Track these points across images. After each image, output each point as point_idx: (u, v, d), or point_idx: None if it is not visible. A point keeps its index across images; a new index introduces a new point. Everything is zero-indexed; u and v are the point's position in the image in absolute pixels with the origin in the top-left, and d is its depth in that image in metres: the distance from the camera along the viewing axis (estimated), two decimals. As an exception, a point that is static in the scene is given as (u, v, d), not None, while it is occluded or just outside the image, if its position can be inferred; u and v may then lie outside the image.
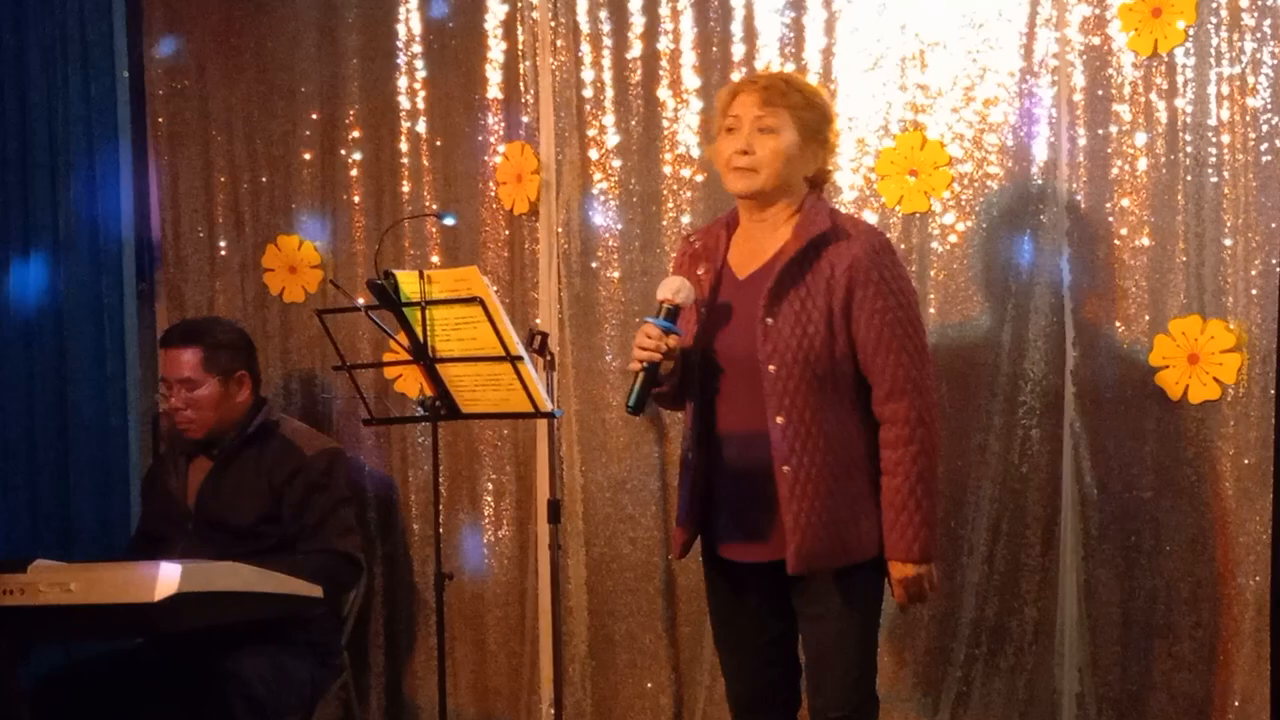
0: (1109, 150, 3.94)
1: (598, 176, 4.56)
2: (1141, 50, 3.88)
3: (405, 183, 4.86)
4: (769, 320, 3.26)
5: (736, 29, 4.35)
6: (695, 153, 4.39)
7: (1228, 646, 3.83)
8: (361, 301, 4.20)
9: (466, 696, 4.80)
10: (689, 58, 4.41)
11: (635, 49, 4.49)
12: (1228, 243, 3.81)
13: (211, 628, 3.75)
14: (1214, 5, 3.80)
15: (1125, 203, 3.93)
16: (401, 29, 4.84)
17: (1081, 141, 3.96)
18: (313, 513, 4.25)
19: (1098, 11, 3.93)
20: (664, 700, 4.50)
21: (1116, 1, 3.90)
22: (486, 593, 4.77)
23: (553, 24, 4.59)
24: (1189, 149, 3.84)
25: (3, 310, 5.01)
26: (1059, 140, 3.99)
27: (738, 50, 4.34)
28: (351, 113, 4.93)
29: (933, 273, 4.12)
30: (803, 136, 3.33)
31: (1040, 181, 4.01)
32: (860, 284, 3.25)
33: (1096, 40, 3.94)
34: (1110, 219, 3.94)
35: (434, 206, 4.80)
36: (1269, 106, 3.76)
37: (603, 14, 4.51)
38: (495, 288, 4.18)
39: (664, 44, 4.45)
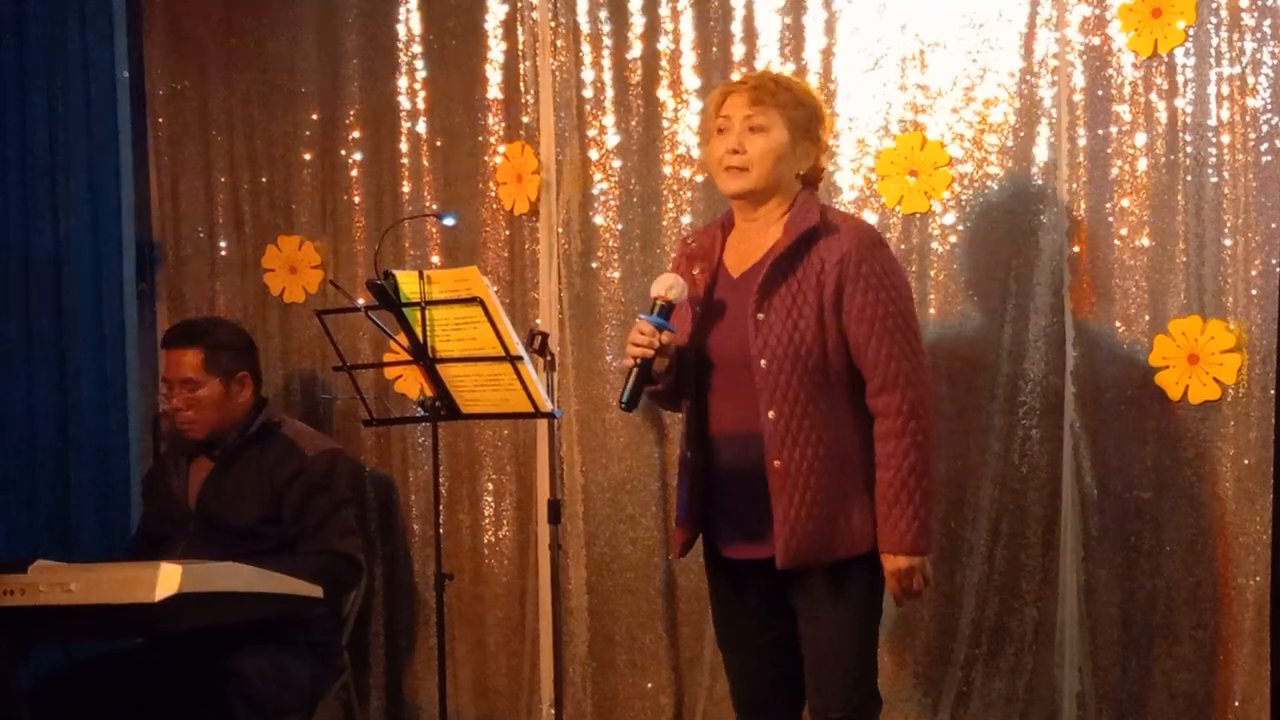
0: (1109, 150, 3.94)
1: (598, 177, 4.56)
2: (1141, 50, 3.88)
3: (405, 183, 4.86)
4: (760, 315, 3.27)
5: (737, 29, 4.35)
6: (695, 153, 4.40)
7: (1228, 647, 3.83)
8: (362, 302, 4.20)
9: (467, 697, 4.80)
10: (689, 58, 4.42)
11: (635, 49, 4.49)
12: (1228, 243, 3.81)
13: (212, 628, 3.75)
14: (1214, 5, 3.80)
15: (1125, 203, 3.93)
16: (401, 29, 4.84)
17: (1081, 142, 3.96)
18: (313, 513, 4.24)
19: (1098, 12, 3.93)
20: (664, 700, 4.50)
21: (1116, 2, 3.90)
22: (487, 593, 4.77)
23: (553, 24, 4.59)
24: (1189, 149, 3.85)
25: (3, 310, 5.01)
26: (1059, 140, 3.99)
27: (738, 51, 4.34)
28: (352, 113, 4.93)
29: (933, 273, 4.12)
30: (793, 135, 3.34)
31: (1040, 182, 4.01)
32: (850, 278, 3.26)
33: (1096, 40, 3.94)
34: (1110, 219, 3.94)
35: (434, 207, 4.81)
36: (1269, 107, 3.76)
37: (603, 14, 4.52)
38: (495, 288, 4.18)
39: (664, 44, 4.45)
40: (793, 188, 3.38)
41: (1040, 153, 4.02)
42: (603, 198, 4.56)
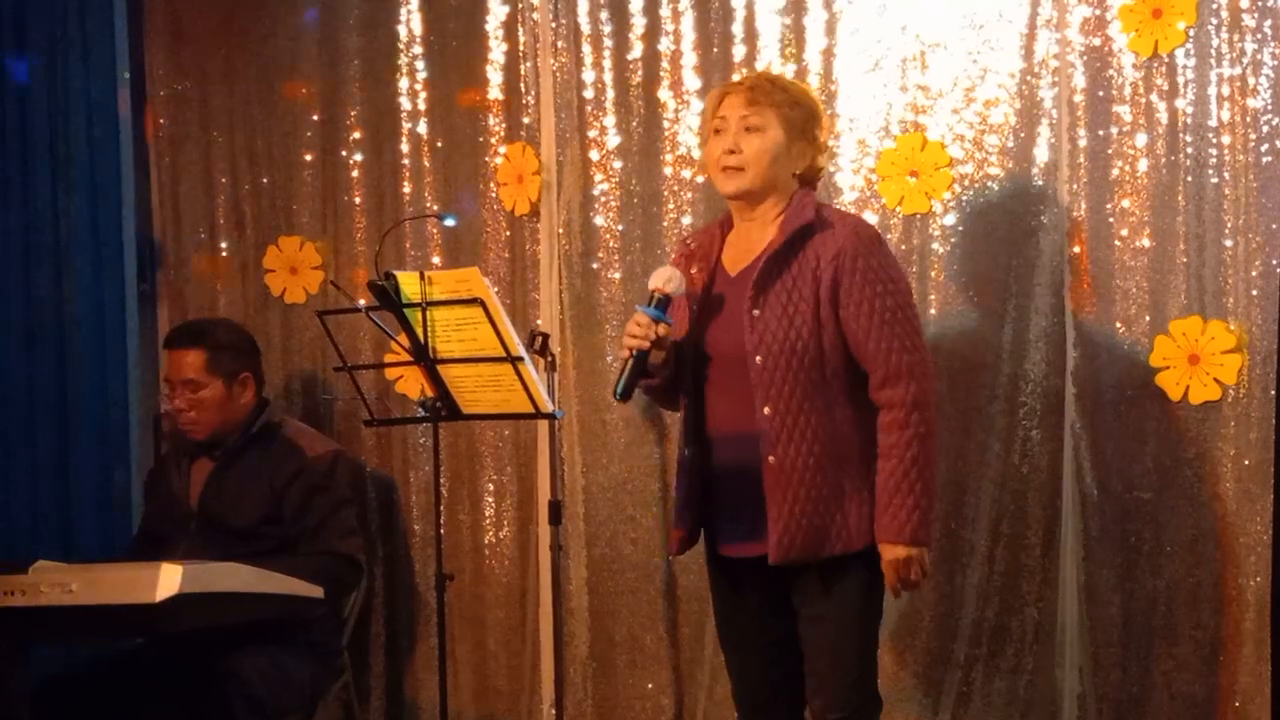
0: (1109, 151, 3.94)
1: (599, 177, 4.56)
2: (1142, 51, 3.88)
3: (406, 184, 4.86)
4: (755, 312, 3.28)
5: (737, 30, 4.35)
6: (696, 154, 4.40)
7: (1228, 647, 3.83)
8: (362, 302, 4.20)
9: (467, 697, 4.80)
10: (690, 59, 4.42)
11: (636, 50, 4.49)
12: (1228, 244, 3.81)
13: (212, 628, 3.75)
14: (1214, 6, 3.80)
15: (1126, 204, 3.93)
16: (402, 30, 4.84)
17: (1082, 142, 3.96)
18: (314, 514, 4.25)
19: (1098, 12, 3.93)
20: (665, 701, 4.50)
21: (1117, 2, 3.90)
22: (487, 594, 4.77)
23: (553, 25, 4.59)
24: (1189, 150, 3.85)
25: (3, 311, 5.00)
26: (1059, 141, 3.99)
27: (738, 51, 4.35)
28: (352, 113, 4.93)
29: (933, 274, 4.13)
30: (789, 134, 3.35)
31: (1041, 182, 4.02)
32: (847, 272, 3.26)
33: (1097, 41, 3.94)
34: (1111, 220, 3.94)
35: (435, 207, 4.81)
36: (1269, 107, 3.76)
37: (604, 15, 4.52)
38: (496, 289, 4.18)
39: (665, 45, 4.45)
40: (789, 187, 3.38)
41: (1041, 153, 4.02)
42: (603, 198, 4.56)
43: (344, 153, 4.95)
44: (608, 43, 4.52)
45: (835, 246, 3.28)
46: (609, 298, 4.54)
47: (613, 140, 4.54)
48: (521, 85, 4.66)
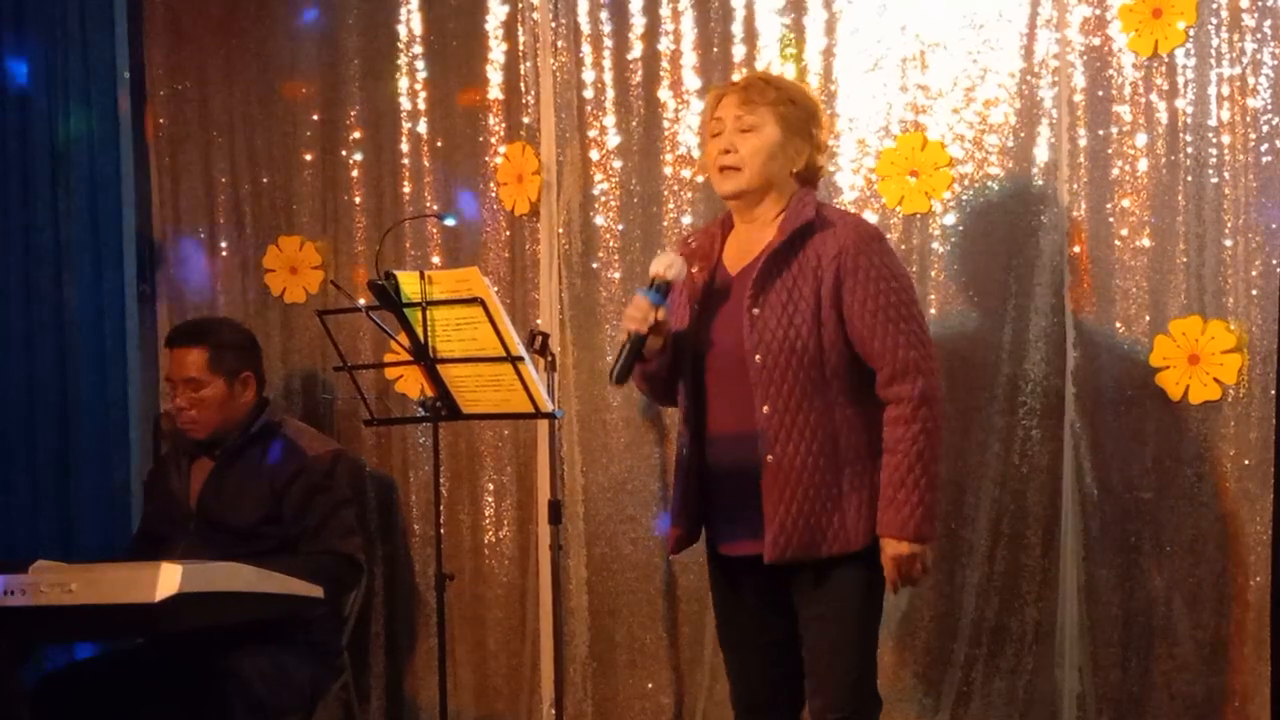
0: (1109, 151, 3.94)
1: (598, 177, 4.56)
2: (1142, 51, 3.88)
3: (406, 184, 4.86)
4: (755, 311, 3.28)
5: (737, 30, 4.35)
6: (696, 153, 4.40)
7: (1228, 647, 3.83)
8: (362, 302, 4.20)
9: (467, 697, 4.80)
10: (690, 59, 4.42)
11: (636, 50, 4.49)
12: (1228, 243, 3.81)
13: (212, 628, 3.75)
14: (1214, 6, 3.80)
15: (1126, 203, 3.93)
16: (402, 29, 4.84)
17: (1082, 142, 3.96)
18: (314, 514, 4.24)
19: (1098, 12, 3.93)
20: (664, 701, 4.50)
21: (1117, 2, 3.90)
22: (487, 593, 4.77)
23: (553, 25, 4.59)
24: (1189, 150, 3.85)
25: (3, 311, 5.01)
26: (1059, 141, 3.99)
27: (738, 51, 4.35)
28: (352, 113, 4.93)
29: (933, 273, 4.13)
30: (784, 132, 3.35)
31: (1041, 182, 4.02)
32: (849, 271, 3.26)
33: (1097, 41, 3.94)
34: (1111, 220, 3.95)
35: (435, 207, 4.81)
36: (1269, 107, 3.76)
37: (603, 15, 4.52)
38: (496, 288, 4.18)
39: (665, 45, 4.45)
40: (788, 186, 3.38)
41: (1041, 153, 4.02)
42: (603, 198, 4.56)
43: (344, 153, 4.95)
44: (608, 42, 4.52)
45: (837, 245, 3.28)
46: (609, 298, 4.54)
47: (613, 140, 4.54)
48: (521, 85, 4.67)
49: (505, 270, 4.73)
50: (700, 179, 4.39)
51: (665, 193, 4.45)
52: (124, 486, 5.08)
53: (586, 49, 4.55)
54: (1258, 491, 3.78)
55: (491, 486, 4.76)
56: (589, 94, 4.56)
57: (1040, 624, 4.02)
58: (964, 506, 4.07)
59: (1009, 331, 4.03)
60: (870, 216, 4.11)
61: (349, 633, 4.56)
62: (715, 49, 4.38)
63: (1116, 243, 3.94)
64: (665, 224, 4.45)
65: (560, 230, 4.60)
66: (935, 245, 4.13)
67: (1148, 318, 3.90)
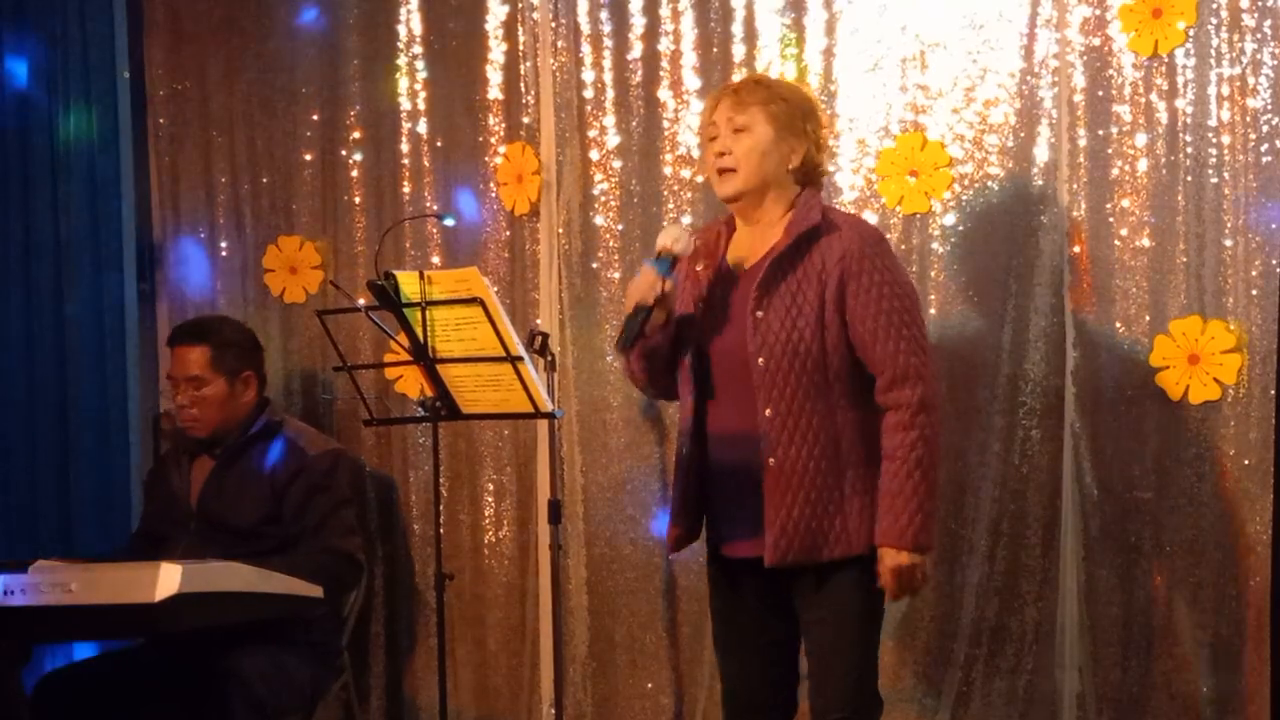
0: (1109, 151, 3.94)
1: (598, 177, 4.56)
2: (1142, 51, 3.88)
3: (406, 184, 4.86)
4: (759, 314, 3.28)
5: (737, 30, 4.35)
6: (696, 153, 4.40)
7: (1228, 647, 3.83)
8: (362, 302, 4.20)
9: (467, 697, 4.80)
10: (689, 58, 4.42)
11: (636, 50, 4.49)
12: (1228, 243, 3.81)
13: (212, 628, 3.75)
14: (1214, 6, 3.80)
15: (1125, 203, 3.93)
16: (402, 29, 4.84)
17: (1082, 142, 3.96)
18: (314, 513, 4.25)
19: (1098, 12, 3.93)
20: (664, 700, 4.50)
21: (1117, 2, 3.90)
22: (487, 593, 4.77)
23: (553, 25, 4.59)
24: (1189, 150, 3.85)
25: (3, 310, 5.01)
26: (1059, 141, 3.99)
27: (738, 51, 4.35)
28: (352, 113, 4.93)
29: (933, 273, 4.13)
30: (776, 130, 3.34)
31: (1040, 182, 4.02)
32: (854, 275, 3.26)
33: (1097, 41, 3.94)
34: (1110, 220, 3.95)
35: (434, 207, 4.81)
36: (1269, 107, 3.76)
37: (603, 15, 4.52)
38: (496, 288, 4.18)
39: (664, 45, 4.45)
40: (788, 185, 3.38)
41: (1040, 153, 4.02)
42: (603, 198, 4.56)
43: (344, 152, 4.95)
44: (607, 42, 4.52)
45: (841, 249, 3.28)
46: (609, 297, 4.54)
47: (612, 140, 4.54)
48: (521, 85, 4.66)
49: (505, 270, 4.73)
50: (700, 179, 4.39)
51: (665, 193, 4.45)
52: (124, 486, 5.09)
53: (586, 49, 4.55)
54: (1258, 491, 3.78)
55: (491, 486, 4.76)
56: (589, 94, 4.56)
57: (1040, 624, 4.02)
58: (964, 506, 4.07)
59: (1009, 331, 4.03)
60: (870, 216, 4.12)
61: (349, 633, 4.56)
62: (715, 49, 4.38)
63: (1116, 243, 3.94)
64: (665, 224, 4.45)
65: (560, 230, 4.60)
66: (935, 245, 4.13)
67: (1148, 318, 3.90)
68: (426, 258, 4.82)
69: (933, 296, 4.11)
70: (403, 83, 4.85)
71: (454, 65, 4.79)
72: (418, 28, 4.83)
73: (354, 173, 4.94)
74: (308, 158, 5.00)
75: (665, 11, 4.44)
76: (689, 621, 4.46)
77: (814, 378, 3.26)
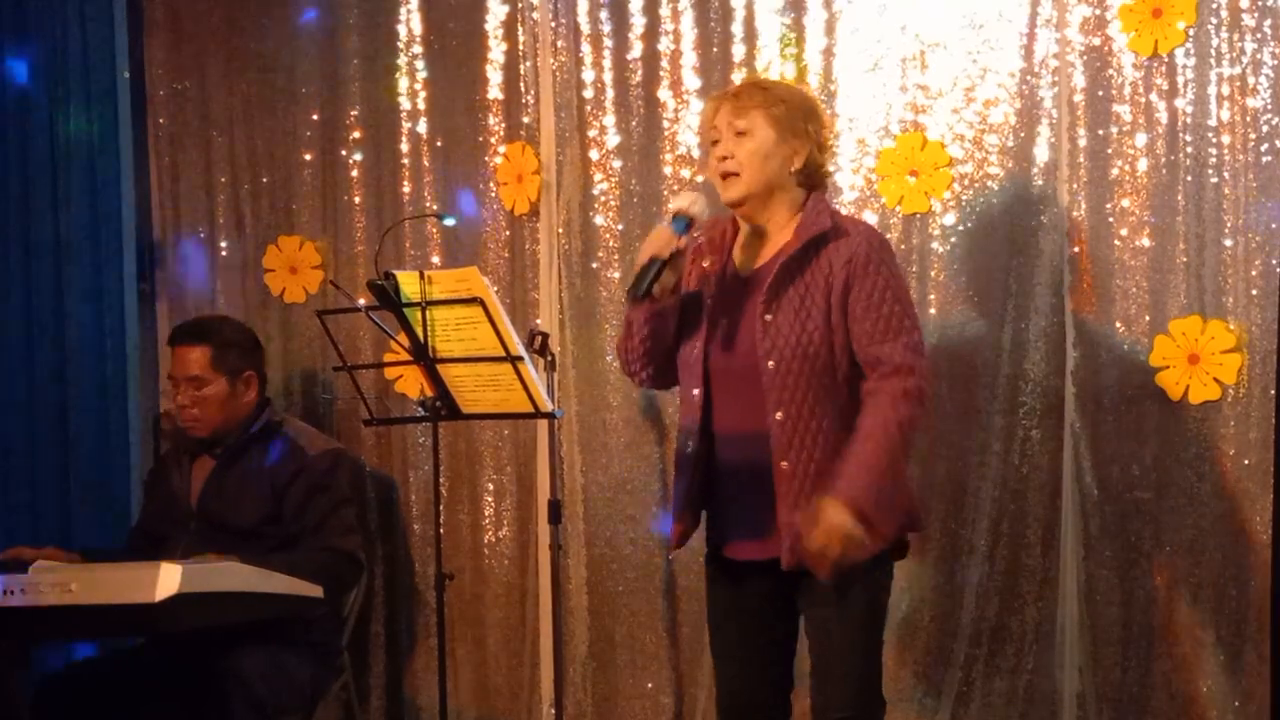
0: (1109, 151, 3.94)
1: (598, 177, 4.56)
2: (1142, 51, 3.88)
3: (406, 183, 4.86)
4: (768, 316, 3.28)
5: (737, 30, 4.35)
6: (696, 153, 4.39)
7: (1228, 647, 3.83)
8: (362, 302, 4.20)
9: (467, 697, 4.80)
10: (689, 58, 4.42)
11: (636, 50, 4.49)
12: (1228, 243, 3.81)
13: (212, 628, 3.75)
14: (1214, 6, 3.80)
15: (1125, 203, 3.93)
16: (402, 29, 4.84)
17: (1082, 142, 3.96)
18: (314, 513, 4.25)
19: (1098, 12, 3.93)
20: (665, 700, 4.50)
21: (1117, 2, 3.90)
22: (487, 593, 4.77)
23: (553, 25, 4.59)
24: (1189, 150, 3.85)
25: (3, 310, 5.01)
26: (1059, 141, 3.99)
27: (738, 51, 4.35)
28: (352, 113, 4.93)
29: (933, 273, 4.13)
30: (778, 132, 3.34)
31: (1040, 182, 4.02)
32: (859, 275, 3.26)
33: (1097, 41, 3.94)
34: (1110, 219, 3.94)
35: (434, 207, 4.81)
36: (1269, 107, 3.76)
37: (603, 14, 4.52)
38: (496, 288, 4.18)
39: (664, 44, 4.45)
40: (792, 188, 3.37)
41: (1040, 153, 4.02)
42: (603, 198, 4.56)
43: (344, 152, 4.95)
44: (607, 42, 4.52)
45: (848, 252, 3.28)
46: (609, 297, 4.54)
47: (612, 140, 4.54)
48: (521, 85, 4.66)
49: (505, 270, 4.73)
50: (700, 179, 4.39)
51: (665, 193, 4.45)
52: (124, 486, 5.08)
53: (586, 49, 4.55)
54: (1258, 491, 3.78)
55: (491, 486, 4.76)
56: (589, 94, 4.56)
57: (1040, 624, 4.02)
58: (964, 507, 4.07)
59: (1009, 331, 4.03)
60: (870, 216, 4.12)
61: (349, 633, 4.56)
62: (715, 49, 4.38)
63: (1116, 243, 3.94)
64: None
65: (560, 230, 4.60)
66: (935, 245, 4.12)
67: (1148, 318, 3.90)
68: (426, 258, 4.82)
69: (933, 296, 4.11)
70: (403, 82, 4.85)
71: (454, 65, 4.79)
72: (418, 28, 4.83)
73: (354, 173, 4.94)
74: (308, 158, 5.00)
75: (665, 11, 4.44)
76: (689, 621, 4.46)
77: (823, 380, 3.26)
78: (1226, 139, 3.81)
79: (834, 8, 4.22)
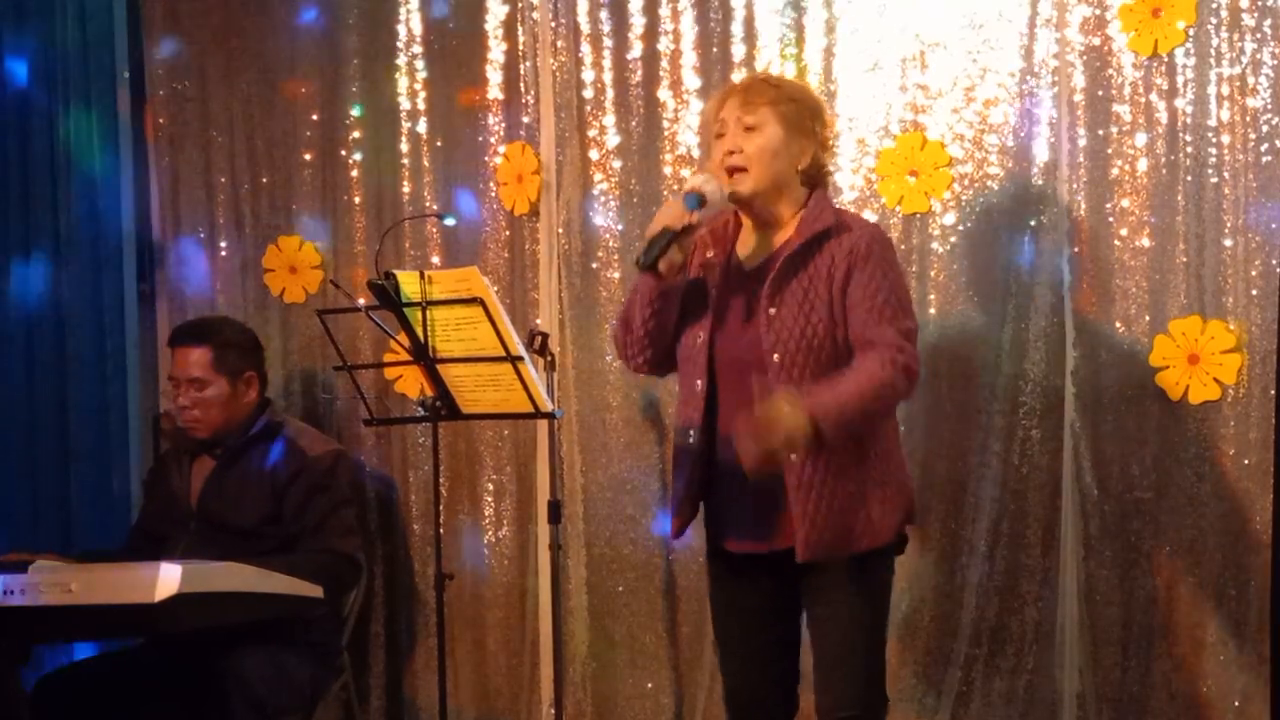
0: (1109, 151, 3.94)
1: (598, 177, 4.56)
2: (1142, 51, 3.88)
3: (406, 183, 4.86)
4: (772, 310, 3.28)
5: (737, 29, 4.35)
6: (696, 153, 4.40)
7: (1228, 647, 3.83)
8: (362, 302, 4.20)
9: (467, 697, 4.80)
10: (689, 58, 4.42)
11: (635, 49, 4.49)
12: (1228, 243, 3.81)
13: (212, 628, 3.75)
14: (1214, 6, 3.80)
15: (1125, 203, 3.93)
16: (402, 29, 4.84)
17: (1082, 142, 3.96)
18: (314, 513, 4.25)
19: (1098, 12, 3.93)
20: (664, 700, 4.50)
21: (1116, 2, 3.90)
22: (487, 593, 4.77)
23: (553, 24, 4.59)
24: (1189, 150, 3.85)
25: (3, 310, 5.01)
26: (1059, 141, 3.99)
27: (738, 51, 4.35)
28: (352, 114, 4.93)
29: (933, 273, 4.13)
30: (786, 130, 3.34)
31: (1040, 182, 4.02)
32: (859, 265, 3.26)
33: (1096, 41, 3.94)
34: (1110, 219, 3.94)
35: (434, 207, 4.81)
36: (1269, 107, 3.76)
37: (603, 14, 4.52)
38: (496, 288, 4.18)
39: (664, 44, 4.45)
40: (797, 188, 3.37)
41: (1040, 153, 4.02)
42: (603, 198, 4.56)
43: (343, 152, 4.95)
44: (607, 42, 4.52)
45: (850, 244, 3.28)
46: (609, 297, 4.54)
47: (612, 140, 4.54)
48: (521, 85, 4.67)
49: (505, 270, 4.73)
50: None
51: (665, 193, 4.45)
52: (124, 486, 5.09)
53: (586, 49, 4.55)
54: (1258, 491, 3.78)
55: (491, 486, 4.76)
56: (589, 94, 4.56)
57: (1040, 624, 4.02)
58: (964, 507, 4.07)
59: (1009, 331, 4.03)
60: (870, 216, 4.11)
61: (349, 633, 4.56)
62: (715, 49, 4.38)
63: (1116, 243, 3.94)
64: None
65: (560, 230, 4.60)
66: (935, 245, 4.12)
67: (1148, 318, 3.90)
68: (426, 258, 4.82)
69: (933, 296, 4.11)
70: (403, 83, 4.85)
71: (454, 65, 4.79)
72: (418, 28, 4.83)
73: (354, 173, 4.95)
74: (307, 157, 5.00)
75: (665, 11, 4.44)
76: (689, 621, 4.46)
77: (828, 372, 3.25)
78: (1226, 139, 3.81)
79: (834, 8, 4.22)
